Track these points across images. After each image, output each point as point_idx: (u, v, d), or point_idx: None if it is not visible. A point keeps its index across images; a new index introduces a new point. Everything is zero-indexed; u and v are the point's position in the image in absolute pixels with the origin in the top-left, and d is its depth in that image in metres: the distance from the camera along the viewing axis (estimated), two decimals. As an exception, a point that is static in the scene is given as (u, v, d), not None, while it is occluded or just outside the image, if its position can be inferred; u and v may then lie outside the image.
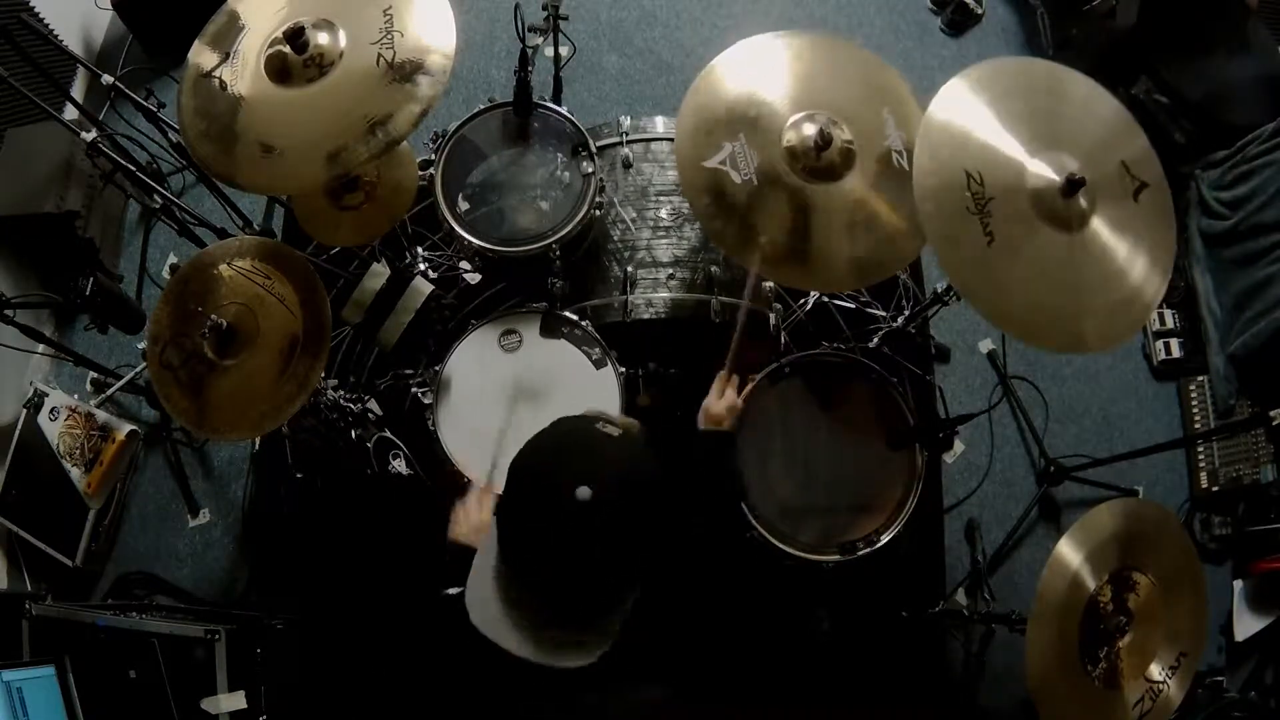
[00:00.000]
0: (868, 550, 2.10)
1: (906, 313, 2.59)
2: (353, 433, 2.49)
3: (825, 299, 2.61)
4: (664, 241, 2.36)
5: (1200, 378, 2.91)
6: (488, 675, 1.23)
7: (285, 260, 1.91)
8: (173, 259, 3.03)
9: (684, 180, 1.84)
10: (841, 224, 1.84)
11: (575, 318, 2.21)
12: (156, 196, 2.30)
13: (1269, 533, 2.59)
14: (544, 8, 2.58)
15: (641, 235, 2.36)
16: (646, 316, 2.30)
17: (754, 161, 1.82)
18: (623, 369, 2.18)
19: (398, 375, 2.49)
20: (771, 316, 2.32)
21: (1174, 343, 2.97)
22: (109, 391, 2.77)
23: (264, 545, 2.72)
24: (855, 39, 3.36)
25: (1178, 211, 2.99)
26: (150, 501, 2.80)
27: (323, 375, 1.97)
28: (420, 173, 2.29)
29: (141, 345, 1.96)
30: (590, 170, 2.25)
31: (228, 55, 1.77)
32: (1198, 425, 2.88)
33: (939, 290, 2.29)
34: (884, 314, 2.66)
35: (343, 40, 1.73)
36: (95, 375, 2.83)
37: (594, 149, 2.26)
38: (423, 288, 2.20)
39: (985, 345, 2.98)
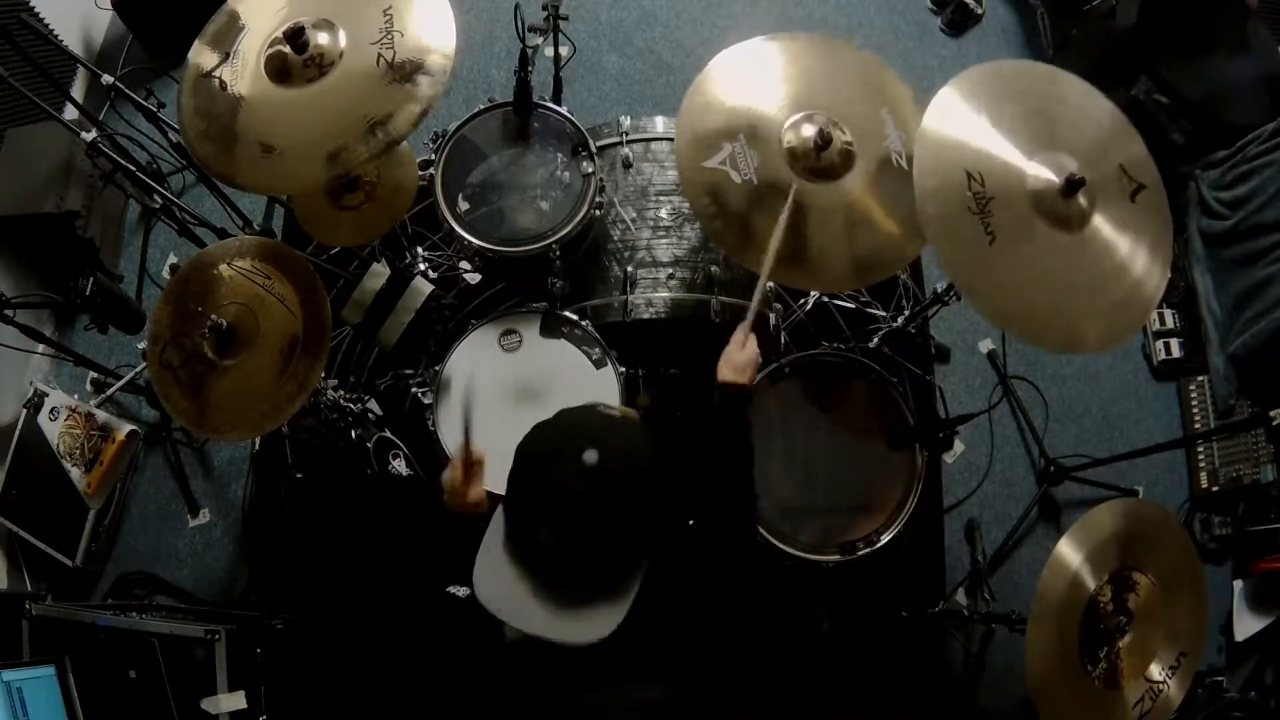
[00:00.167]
0: (868, 550, 2.10)
1: (906, 313, 2.59)
2: (353, 433, 2.49)
3: (825, 299, 2.61)
4: (664, 241, 2.36)
5: (1200, 378, 2.91)
6: (488, 675, 1.23)
7: (285, 260, 1.92)
8: (173, 259, 3.03)
9: (684, 181, 1.84)
10: (841, 224, 1.84)
11: (575, 318, 2.21)
12: (156, 196, 2.31)
13: (1269, 533, 2.59)
14: (544, 8, 2.59)
15: (641, 235, 2.36)
16: (646, 316, 2.30)
17: (754, 162, 1.82)
18: (623, 369, 2.18)
19: (398, 375, 2.49)
20: (771, 316, 2.32)
21: (1174, 343, 2.97)
22: (109, 391, 2.77)
23: (264, 545, 2.72)
24: (855, 39, 3.36)
25: (1177, 211, 3.04)
26: (150, 501, 2.80)
27: (323, 375, 1.97)
28: (420, 173, 2.29)
29: (141, 345, 1.96)
30: (590, 170, 2.25)
31: (228, 55, 1.78)
32: (1198, 425, 2.88)
33: (939, 290, 2.30)
34: (884, 314, 2.66)
35: (343, 40, 1.73)
36: (95, 375, 2.83)
37: (594, 149, 2.26)
38: (423, 288, 2.20)
39: (985, 345, 2.98)
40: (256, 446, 2.78)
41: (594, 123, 2.40)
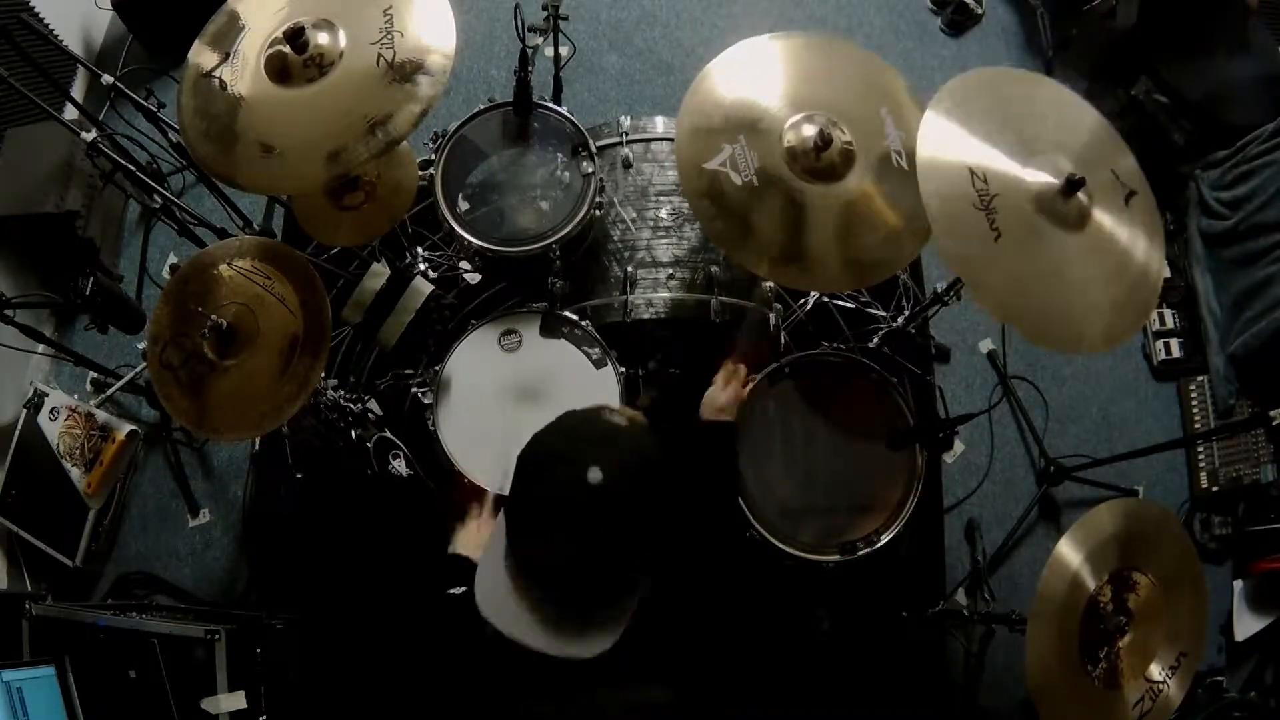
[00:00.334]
0: (868, 550, 2.10)
1: (906, 313, 2.59)
2: (353, 433, 2.49)
3: (825, 299, 2.61)
4: (664, 241, 2.36)
5: (1200, 378, 2.91)
6: (488, 676, 1.23)
7: (285, 260, 1.91)
8: (173, 259, 3.03)
9: (684, 182, 1.84)
10: (841, 224, 1.84)
11: (575, 318, 2.21)
12: (156, 196, 2.31)
13: (1269, 533, 2.59)
14: (544, 8, 2.59)
15: (641, 235, 2.36)
16: (646, 316, 2.30)
17: (754, 163, 1.82)
18: (623, 369, 2.18)
19: (398, 375, 2.49)
20: (771, 316, 2.32)
21: (1174, 343, 2.97)
22: (109, 391, 2.77)
23: (264, 545, 2.72)
24: (855, 39, 3.36)
25: (1178, 211, 3.04)
26: (150, 501, 2.80)
27: (323, 375, 1.97)
28: (420, 173, 2.29)
29: (141, 345, 1.96)
30: (590, 170, 2.24)
31: (228, 55, 1.78)
32: (1198, 425, 2.88)
33: (939, 290, 2.30)
34: (884, 314, 2.66)
35: (343, 40, 1.73)
36: (95, 375, 2.83)
37: (594, 149, 2.26)
38: (423, 288, 2.20)
39: (985, 345, 2.98)
40: (256, 446, 2.78)
41: (594, 123, 2.40)
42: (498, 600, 1.12)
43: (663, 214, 2.37)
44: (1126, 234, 1.75)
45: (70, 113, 2.55)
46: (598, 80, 3.29)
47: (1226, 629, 2.60)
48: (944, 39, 3.45)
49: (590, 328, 2.20)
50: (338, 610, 2.48)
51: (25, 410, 2.68)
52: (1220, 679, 2.54)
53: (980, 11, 3.40)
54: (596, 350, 2.18)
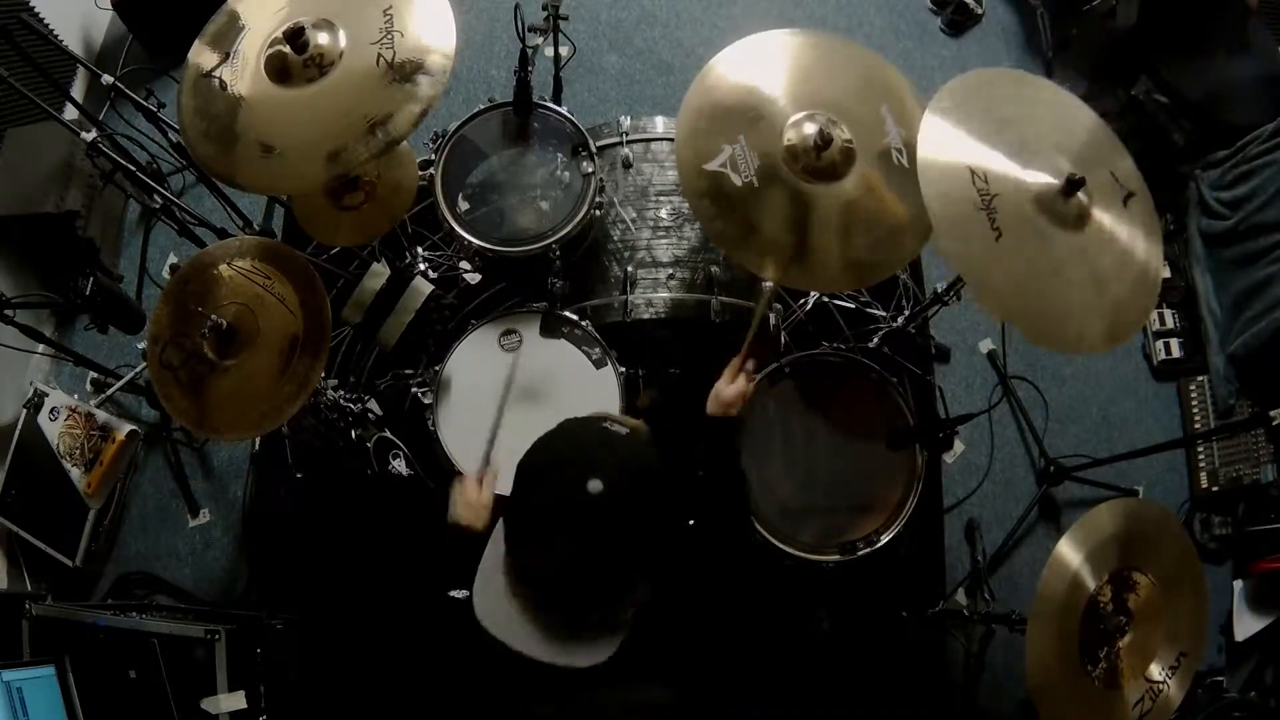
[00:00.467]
0: (868, 550, 2.10)
1: (906, 313, 2.59)
2: (353, 433, 2.49)
3: (825, 299, 2.61)
4: (664, 241, 2.36)
5: (1200, 378, 2.91)
6: (488, 676, 1.23)
7: (285, 260, 1.91)
8: (173, 259, 3.03)
9: (685, 184, 1.84)
10: (842, 224, 1.84)
11: (575, 318, 2.21)
12: (156, 196, 2.31)
13: (1269, 533, 2.59)
14: (544, 8, 2.58)
15: (641, 235, 2.36)
16: (646, 316, 2.30)
17: (754, 163, 1.82)
18: (623, 369, 2.18)
19: (398, 375, 2.49)
20: (771, 316, 2.32)
21: (1174, 343, 2.97)
22: (109, 391, 2.77)
23: (264, 545, 2.72)
24: (855, 39, 3.36)
25: (1178, 211, 3.04)
26: (150, 501, 2.80)
27: (323, 375, 1.97)
28: (420, 173, 2.29)
29: (141, 345, 1.96)
30: (590, 170, 2.25)
31: (228, 55, 1.77)
32: (1198, 425, 2.88)
33: (939, 290, 2.30)
34: (884, 314, 2.66)
35: (343, 40, 1.73)
36: (95, 375, 2.82)
37: (594, 149, 2.26)
38: (423, 288, 2.20)
39: (985, 345, 2.98)
40: (256, 446, 2.78)
41: (594, 123, 2.40)
42: (496, 609, 1.12)
43: (663, 214, 2.37)
44: (1126, 234, 1.75)
45: (70, 113, 2.55)
46: (598, 80, 3.29)
47: (1226, 629, 2.60)
48: (944, 39, 3.45)
49: (590, 328, 2.20)
50: (338, 610, 2.48)
51: (25, 410, 2.68)
52: (1220, 679, 2.54)
53: (980, 11, 3.40)
54: (596, 350, 2.18)
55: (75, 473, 2.60)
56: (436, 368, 2.18)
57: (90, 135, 2.15)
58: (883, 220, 1.85)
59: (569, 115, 2.32)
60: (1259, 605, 2.55)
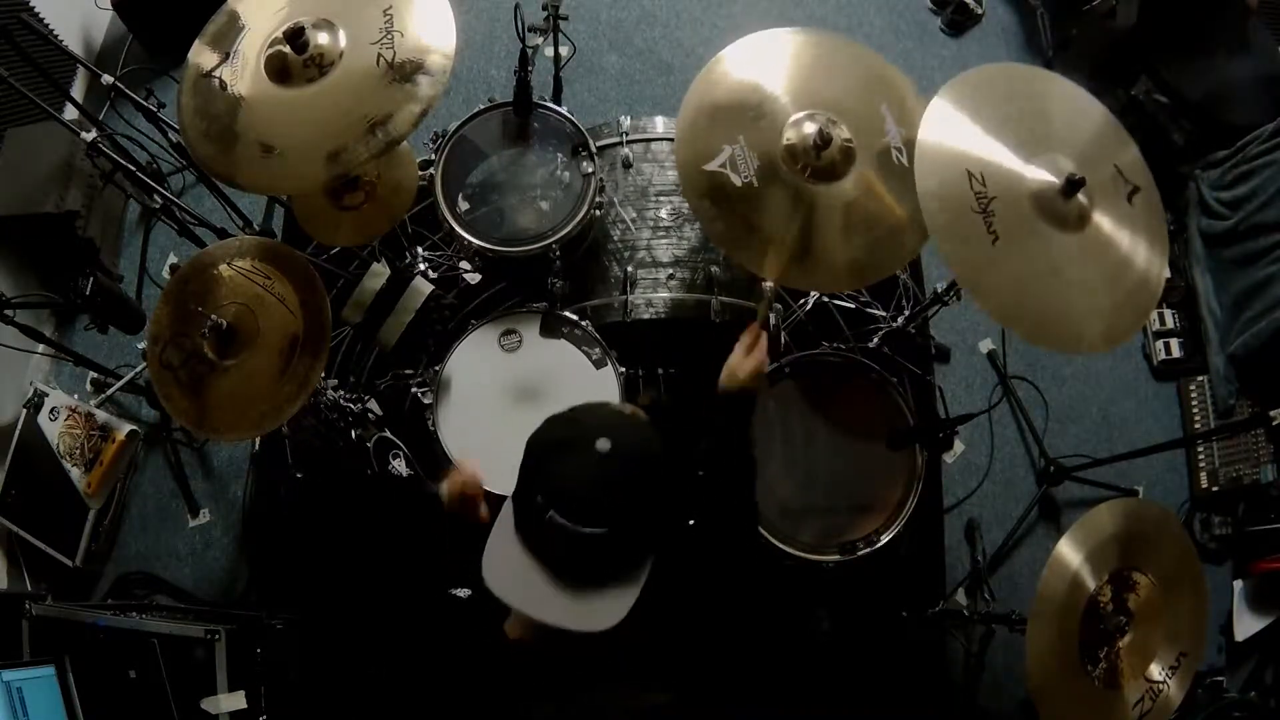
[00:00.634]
0: (868, 550, 2.10)
1: (906, 313, 2.59)
2: (353, 433, 2.49)
3: (825, 299, 2.61)
4: (664, 241, 2.36)
5: (1200, 378, 2.91)
6: (488, 676, 1.23)
7: (285, 260, 1.92)
8: (173, 259, 3.03)
9: (685, 184, 1.84)
10: (841, 223, 1.84)
11: (575, 318, 2.21)
12: (156, 196, 2.31)
13: (1269, 533, 2.59)
14: (544, 8, 2.58)
15: (641, 235, 2.36)
16: (646, 316, 2.30)
17: (754, 163, 1.82)
18: (623, 369, 2.18)
19: (398, 375, 2.49)
20: (771, 316, 2.32)
21: (1174, 343, 2.97)
22: (109, 391, 2.77)
23: (264, 545, 2.72)
24: (855, 39, 3.36)
25: (1178, 211, 3.04)
26: (150, 501, 2.80)
27: (323, 375, 1.97)
28: (420, 173, 2.29)
29: (141, 345, 1.96)
30: (590, 170, 2.25)
31: (228, 55, 1.78)
32: (1198, 425, 2.88)
33: (939, 290, 2.29)
34: (884, 314, 2.65)
35: (343, 40, 1.73)
36: (95, 375, 2.82)
37: (594, 149, 2.26)
38: (423, 288, 2.20)
39: (985, 345, 2.98)
40: (256, 446, 2.78)
41: (594, 123, 2.40)
42: (507, 575, 1.12)
43: (663, 214, 2.37)
44: (1128, 233, 1.74)
45: (70, 113, 2.55)
46: (598, 80, 3.29)
47: (1226, 629, 2.60)
48: (944, 39, 3.45)
49: (590, 328, 2.20)
50: (338, 610, 2.48)
51: (25, 410, 2.68)
52: (1220, 679, 2.54)
53: (980, 11, 3.40)
54: (596, 350, 2.18)
55: (75, 473, 2.60)
56: (436, 368, 2.18)
57: (90, 135, 2.15)
58: (883, 220, 1.85)
59: (569, 115, 2.32)
60: (1259, 605, 2.55)
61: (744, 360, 1.58)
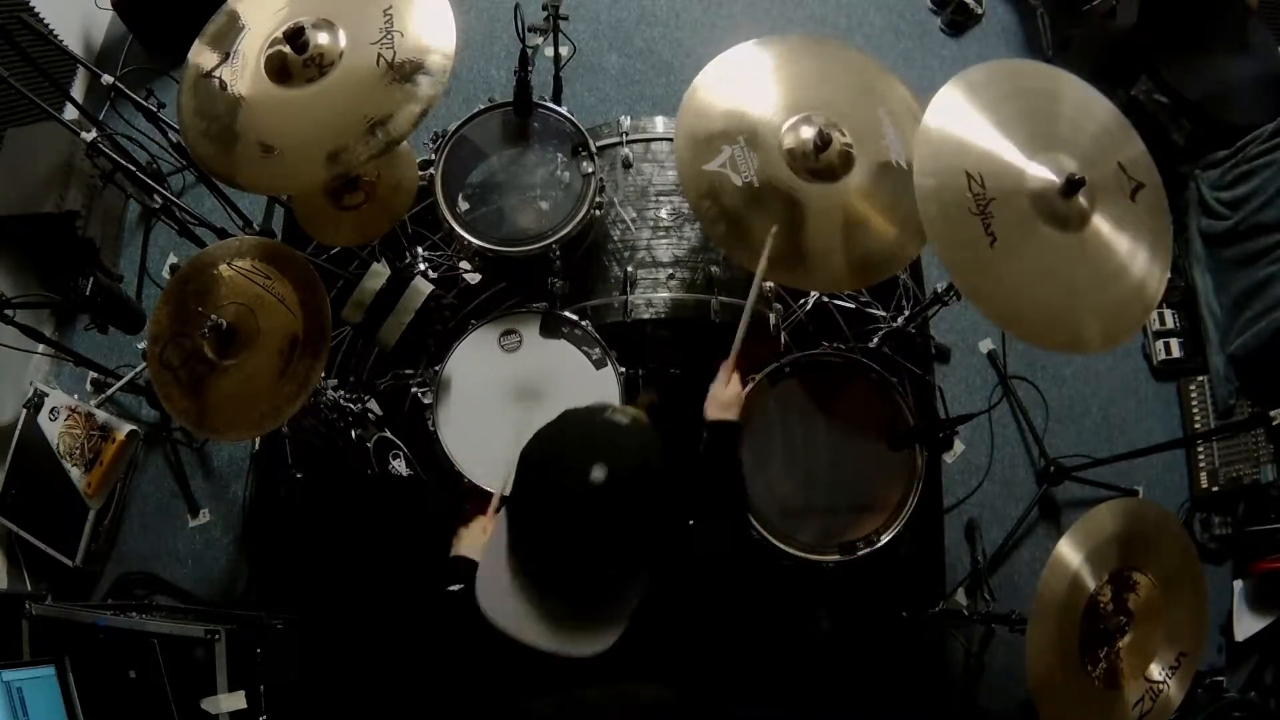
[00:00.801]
0: (868, 550, 2.10)
1: (906, 313, 2.59)
2: (353, 433, 2.49)
3: (825, 299, 2.61)
4: (664, 241, 2.36)
5: (1200, 378, 2.91)
6: (487, 675, 1.23)
7: (285, 260, 1.91)
8: (173, 259, 3.03)
9: (685, 185, 1.84)
10: (841, 224, 1.84)
11: (575, 318, 2.21)
12: (156, 196, 2.30)
13: (1269, 533, 2.59)
14: (544, 8, 2.58)
15: (641, 235, 2.36)
16: (646, 316, 2.30)
17: (754, 164, 1.82)
18: (623, 369, 2.18)
19: (398, 375, 2.48)
20: (771, 316, 2.32)
21: (1174, 343, 2.97)
22: (109, 391, 2.77)
23: (264, 545, 2.72)
24: (855, 39, 3.36)
25: (1177, 211, 3.04)
26: (150, 501, 2.80)
27: (323, 375, 1.97)
28: (420, 173, 2.29)
29: (141, 345, 1.95)
30: (590, 170, 2.25)
31: (228, 55, 1.77)
32: (1198, 425, 2.88)
33: (939, 290, 2.29)
34: (884, 314, 2.65)
35: (343, 40, 1.73)
36: (95, 375, 2.82)
37: (594, 149, 2.26)
38: (423, 288, 2.20)
39: (985, 345, 2.98)
40: (256, 446, 2.78)
41: (594, 123, 2.40)
42: (499, 598, 1.12)
43: (663, 214, 2.37)
44: (1129, 233, 1.73)
45: (70, 113, 2.55)
46: (598, 80, 3.29)
47: (1226, 629, 2.60)
48: (944, 39, 3.45)
49: (590, 328, 2.20)
50: (338, 610, 2.48)
51: (25, 410, 2.68)
52: (1220, 679, 2.54)
53: (980, 11, 3.40)
54: (596, 350, 2.18)
55: (75, 473, 2.60)
56: (436, 368, 2.18)
57: (90, 135, 2.15)
58: (883, 221, 1.86)
59: (569, 115, 2.32)
60: (1259, 605, 2.55)
61: (724, 390, 1.63)
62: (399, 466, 2.48)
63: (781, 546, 2.07)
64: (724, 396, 1.63)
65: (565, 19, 2.64)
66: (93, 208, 2.86)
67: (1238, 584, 2.62)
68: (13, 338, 2.32)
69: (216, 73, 1.76)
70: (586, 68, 3.29)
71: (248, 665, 2.13)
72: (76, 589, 2.66)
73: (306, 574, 2.58)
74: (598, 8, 3.40)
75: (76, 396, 2.75)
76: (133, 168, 2.30)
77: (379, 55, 1.69)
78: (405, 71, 1.67)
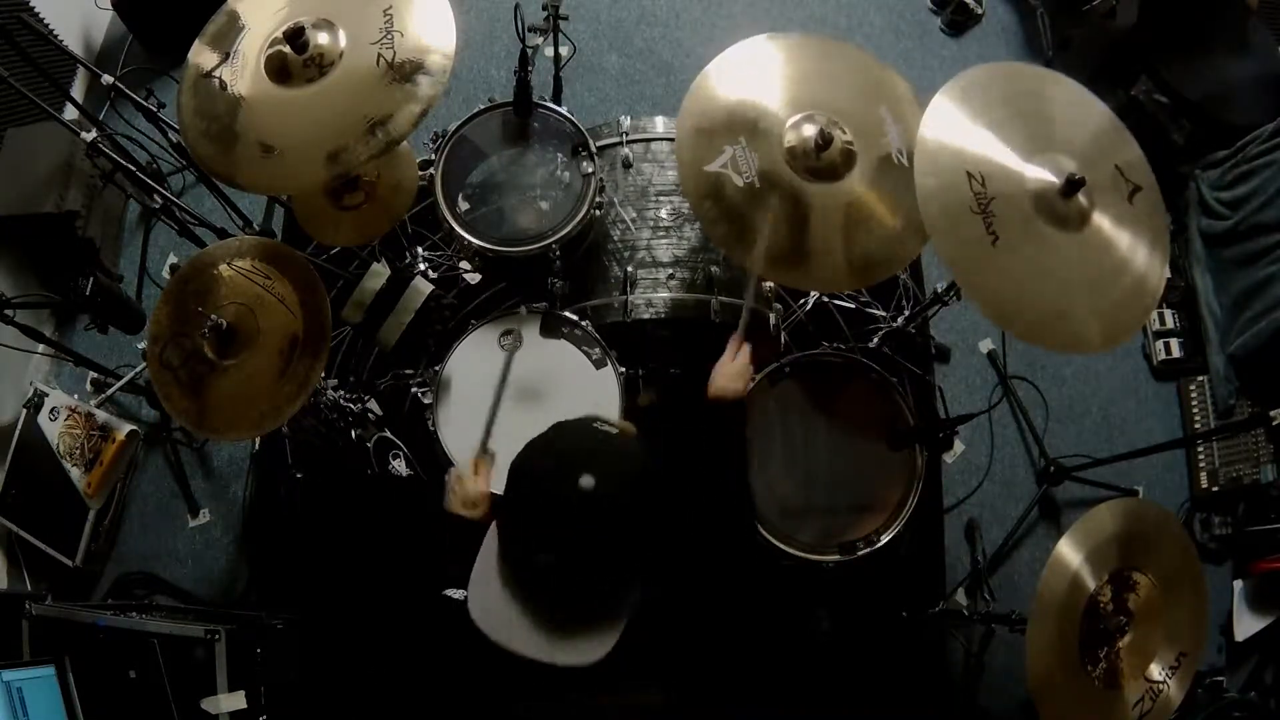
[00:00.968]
0: (868, 550, 2.10)
1: (906, 313, 2.59)
2: (353, 433, 2.49)
3: (825, 299, 2.61)
4: (664, 241, 2.36)
5: (1200, 378, 2.91)
6: (486, 676, 1.23)
7: (285, 260, 1.91)
8: (173, 259, 3.03)
9: (686, 185, 1.84)
10: (842, 223, 1.84)
11: (575, 318, 2.21)
12: (156, 196, 2.30)
13: (1269, 533, 2.59)
14: (544, 8, 2.58)
15: (641, 235, 2.36)
16: (646, 316, 2.30)
17: (755, 164, 1.82)
18: (623, 369, 2.18)
19: (398, 375, 2.49)
20: (771, 316, 2.32)
21: (1174, 343, 2.97)
22: (109, 391, 2.77)
23: (264, 545, 2.72)
24: (855, 39, 3.36)
25: (1177, 211, 3.04)
26: (150, 501, 2.80)
27: (323, 375, 1.97)
28: (420, 173, 2.29)
29: (141, 345, 1.96)
30: (590, 170, 2.25)
31: (228, 55, 1.78)
32: (1198, 425, 2.88)
33: (939, 290, 2.29)
34: (884, 314, 2.66)
35: (343, 40, 1.73)
36: (95, 375, 2.82)
37: (594, 149, 2.26)
38: (423, 288, 2.20)
39: (985, 345, 2.98)
40: (256, 446, 2.78)
41: (594, 123, 2.40)
42: (491, 609, 1.12)
43: (663, 214, 2.37)
44: (1128, 233, 1.74)
45: (70, 113, 2.55)
46: (598, 80, 3.29)
47: (1226, 629, 2.60)
48: (944, 39, 3.45)
49: (590, 328, 2.20)
50: (338, 610, 2.48)
51: (25, 410, 2.68)
52: (1220, 679, 2.54)
53: (980, 11, 3.40)
54: (596, 350, 2.18)
55: (75, 473, 2.60)
56: (436, 368, 2.18)
57: (90, 135, 2.15)
58: (883, 221, 1.85)
59: (569, 115, 2.32)
60: (1259, 605, 2.55)
61: (731, 364, 1.61)
62: (399, 466, 2.48)
63: (781, 546, 2.08)
64: (731, 367, 1.60)
65: (565, 19, 2.64)
66: (93, 208, 2.86)
67: (1238, 584, 2.62)
68: (13, 338, 2.32)
69: (216, 73, 1.76)
70: (586, 68, 3.29)
71: (248, 665, 2.13)
72: (76, 589, 2.66)
73: (306, 574, 2.58)
74: (598, 8, 3.40)
75: (76, 396, 2.75)
76: (133, 168, 2.30)
77: (379, 55, 1.69)
78: (405, 71, 1.67)
